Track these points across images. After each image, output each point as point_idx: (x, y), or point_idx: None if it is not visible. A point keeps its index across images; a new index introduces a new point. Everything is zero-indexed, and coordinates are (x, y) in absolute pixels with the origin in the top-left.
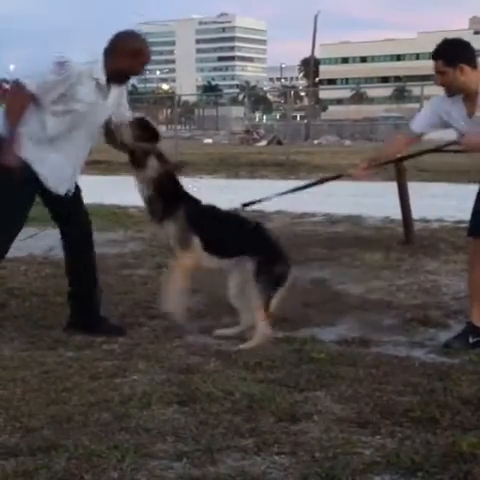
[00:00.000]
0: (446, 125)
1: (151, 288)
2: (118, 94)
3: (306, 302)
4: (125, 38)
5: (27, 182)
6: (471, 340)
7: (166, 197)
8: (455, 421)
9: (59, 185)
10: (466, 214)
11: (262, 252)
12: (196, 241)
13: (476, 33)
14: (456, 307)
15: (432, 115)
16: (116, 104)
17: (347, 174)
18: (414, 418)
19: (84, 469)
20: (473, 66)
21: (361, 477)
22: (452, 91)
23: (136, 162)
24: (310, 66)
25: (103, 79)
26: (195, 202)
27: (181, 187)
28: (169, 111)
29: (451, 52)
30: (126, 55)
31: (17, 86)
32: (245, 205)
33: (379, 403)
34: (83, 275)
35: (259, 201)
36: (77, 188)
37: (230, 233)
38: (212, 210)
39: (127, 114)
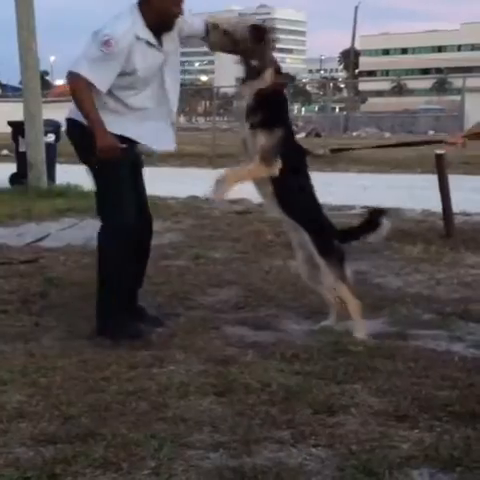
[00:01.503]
0: None
1: (189, 279)
2: (172, 38)
3: None
4: None
5: (129, 152)
6: None
7: (271, 109)
8: None
9: (165, 144)
10: None
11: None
12: (278, 163)
13: None
14: None
15: None
16: (176, 48)
17: (446, 140)
18: (453, 412)
19: (121, 457)
20: None
21: (398, 471)
22: None
23: (251, 69)
24: (350, 58)
25: (150, 35)
26: (290, 132)
27: (286, 106)
28: (208, 103)
29: None
30: (162, 7)
31: (72, 77)
32: (334, 150)
33: (417, 397)
34: (140, 258)
35: (350, 149)
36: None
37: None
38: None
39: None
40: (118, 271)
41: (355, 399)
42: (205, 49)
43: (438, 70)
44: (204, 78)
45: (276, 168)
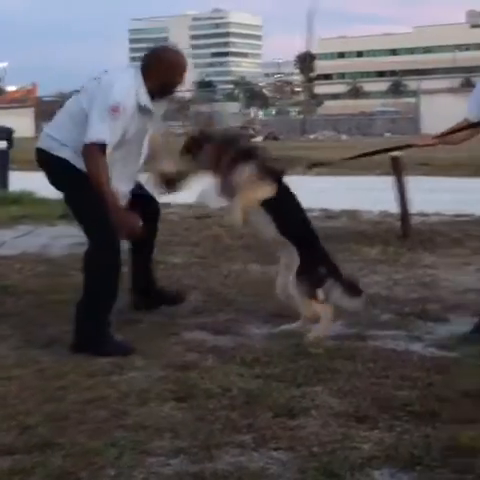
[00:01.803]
0: None
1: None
2: (163, 102)
3: None
4: (161, 53)
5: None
6: None
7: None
8: (454, 415)
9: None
10: (464, 207)
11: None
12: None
13: (473, 27)
14: (454, 301)
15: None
16: (162, 110)
17: (415, 144)
18: (413, 412)
19: (81, 467)
20: None
21: (359, 472)
22: None
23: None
24: (306, 61)
25: (148, 101)
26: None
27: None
28: None
29: None
30: (166, 69)
31: (93, 148)
32: (314, 165)
33: (377, 397)
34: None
35: (328, 164)
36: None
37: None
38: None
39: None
40: (111, 287)
41: (315, 401)
42: None
43: (393, 73)
44: None
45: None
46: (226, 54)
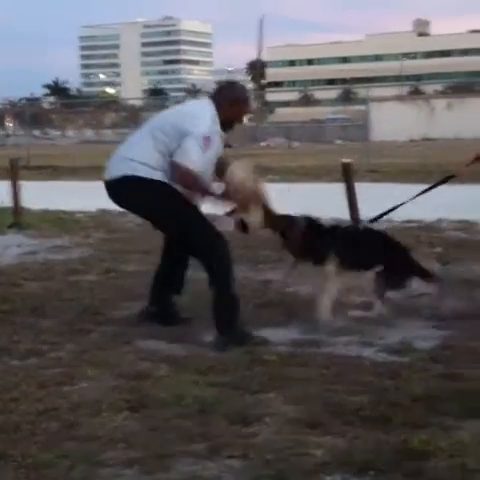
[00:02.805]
0: None
1: (99, 293)
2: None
3: (258, 304)
4: (232, 89)
5: None
6: None
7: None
8: (406, 419)
9: None
10: (414, 214)
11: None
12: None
13: (420, 35)
14: (406, 306)
15: None
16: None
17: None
18: (365, 417)
19: (33, 479)
20: None
21: (312, 478)
22: None
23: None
24: (256, 69)
25: (220, 129)
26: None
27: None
28: (114, 115)
29: None
30: (235, 104)
31: (184, 171)
32: (373, 220)
33: (330, 403)
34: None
35: (388, 213)
36: None
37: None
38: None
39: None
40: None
41: (269, 408)
42: (110, 61)
43: (343, 80)
44: (111, 90)
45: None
46: (177, 61)
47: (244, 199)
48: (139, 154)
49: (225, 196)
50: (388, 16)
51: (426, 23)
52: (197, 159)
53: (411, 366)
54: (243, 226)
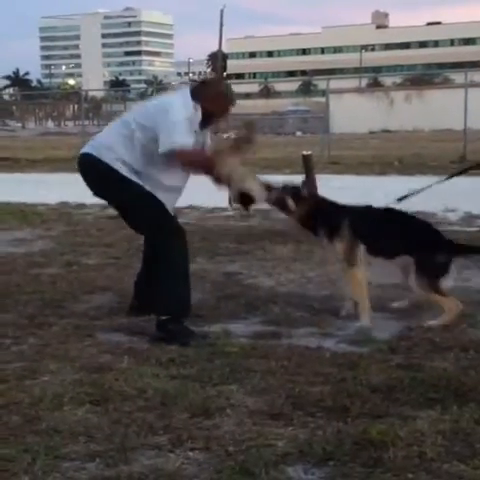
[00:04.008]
0: None
1: (61, 287)
2: (205, 132)
3: (218, 296)
4: (212, 84)
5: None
6: None
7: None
8: (365, 409)
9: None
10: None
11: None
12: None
13: (378, 27)
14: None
15: None
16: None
17: None
18: (326, 408)
19: None
20: None
21: (274, 469)
22: None
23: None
24: (218, 60)
25: (199, 123)
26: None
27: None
28: (76, 107)
29: None
30: (213, 99)
31: (175, 153)
32: (400, 199)
33: (291, 394)
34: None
35: (415, 193)
36: None
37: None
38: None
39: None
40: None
41: (231, 400)
42: (71, 52)
43: (303, 72)
44: (71, 81)
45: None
46: (138, 53)
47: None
48: (107, 141)
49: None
50: (346, 8)
51: (384, 15)
52: (186, 138)
53: (370, 357)
54: (244, 200)
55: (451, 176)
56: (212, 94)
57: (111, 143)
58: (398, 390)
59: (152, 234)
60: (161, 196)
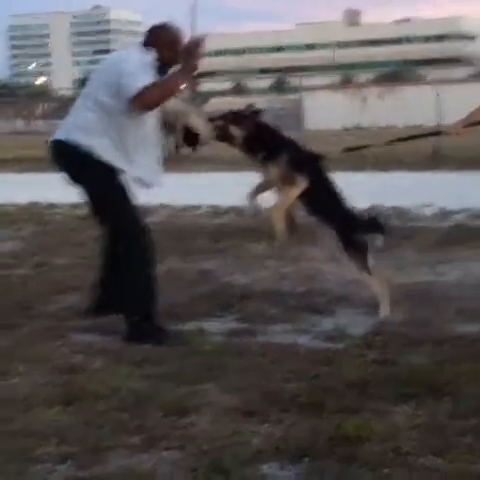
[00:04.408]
0: None
1: (31, 287)
2: None
3: (193, 295)
4: (162, 31)
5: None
6: None
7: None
8: (340, 405)
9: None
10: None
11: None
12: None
13: (351, 25)
14: (339, 293)
15: None
16: None
17: (447, 131)
18: (301, 404)
19: None
20: None
21: (249, 466)
22: None
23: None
24: None
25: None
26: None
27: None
28: (45, 105)
29: None
30: (166, 45)
31: (137, 96)
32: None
33: (266, 391)
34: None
35: (365, 147)
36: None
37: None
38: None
39: None
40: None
41: (206, 398)
42: (40, 51)
43: (276, 70)
44: (41, 80)
45: (303, 182)
46: (108, 51)
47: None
48: (76, 120)
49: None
50: (318, 5)
51: (357, 13)
52: (150, 79)
53: (345, 352)
54: (191, 140)
55: (396, 140)
56: (164, 39)
57: (80, 121)
58: (373, 385)
59: (115, 230)
60: (142, 161)
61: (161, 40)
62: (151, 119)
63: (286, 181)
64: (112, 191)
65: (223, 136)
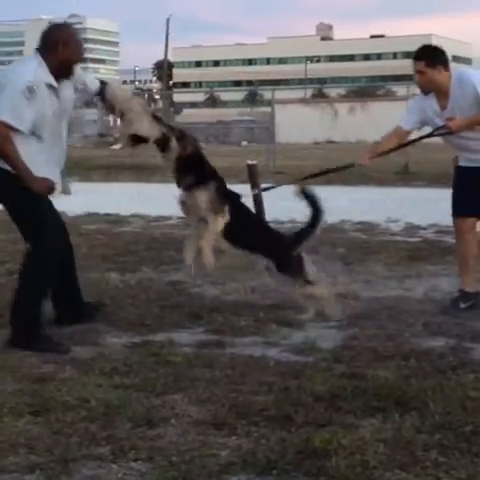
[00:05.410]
0: (424, 122)
1: (1, 296)
2: (69, 86)
3: (163, 305)
4: (53, 32)
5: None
6: (462, 305)
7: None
8: (309, 418)
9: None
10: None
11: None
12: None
13: (323, 39)
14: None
15: (417, 112)
16: (73, 93)
17: (357, 163)
18: (269, 417)
19: None
20: (447, 68)
21: (217, 479)
22: (428, 89)
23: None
24: (164, 69)
25: (53, 80)
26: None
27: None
28: None
29: (432, 55)
30: (61, 47)
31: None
32: (264, 190)
33: (235, 404)
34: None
35: (274, 187)
36: None
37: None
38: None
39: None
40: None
41: (175, 410)
42: (15, 58)
43: (249, 82)
44: None
45: (226, 215)
46: (83, 60)
47: (129, 110)
48: None
49: (111, 112)
50: (290, 20)
51: (329, 27)
52: (17, 111)
53: (314, 365)
54: (133, 139)
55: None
56: (61, 41)
57: None
58: (341, 399)
59: (32, 244)
60: (46, 172)
61: (57, 40)
62: (47, 131)
63: (213, 209)
64: (31, 206)
65: (161, 141)
